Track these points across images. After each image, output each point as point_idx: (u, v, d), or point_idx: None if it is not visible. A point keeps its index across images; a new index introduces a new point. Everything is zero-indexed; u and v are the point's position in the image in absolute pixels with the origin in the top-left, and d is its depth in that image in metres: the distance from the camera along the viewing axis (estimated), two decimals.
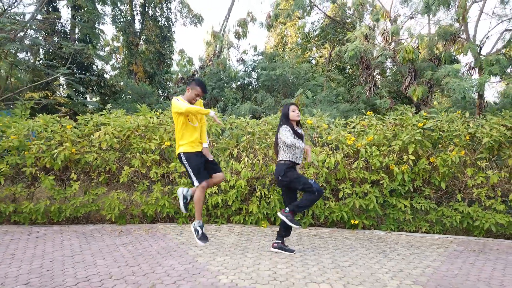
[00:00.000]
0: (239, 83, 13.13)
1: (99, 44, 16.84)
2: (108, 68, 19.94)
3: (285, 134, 4.21)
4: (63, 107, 10.24)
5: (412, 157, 5.54)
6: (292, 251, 4.44)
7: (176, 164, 5.78)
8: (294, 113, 4.34)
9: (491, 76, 6.21)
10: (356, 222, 5.74)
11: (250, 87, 13.31)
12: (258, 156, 5.90)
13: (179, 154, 4.17)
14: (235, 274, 3.61)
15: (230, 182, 5.80)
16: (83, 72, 15.29)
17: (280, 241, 4.49)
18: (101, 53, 23.55)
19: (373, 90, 8.35)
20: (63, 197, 5.75)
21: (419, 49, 7.39)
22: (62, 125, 5.89)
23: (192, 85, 4.12)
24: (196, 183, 4.09)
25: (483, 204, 5.53)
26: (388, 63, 10.23)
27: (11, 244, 4.70)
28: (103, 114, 6.13)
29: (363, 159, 5.74)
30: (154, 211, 5.86)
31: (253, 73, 13.48)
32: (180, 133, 4.14)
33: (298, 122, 4.48)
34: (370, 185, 5.74)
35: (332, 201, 5.84)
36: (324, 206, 5.84)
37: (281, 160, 4.30)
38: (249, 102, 10.48)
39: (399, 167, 5.59)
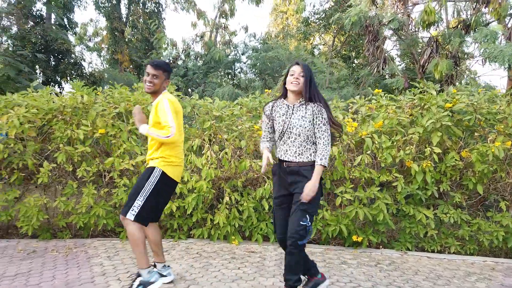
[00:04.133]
0: (228, 70, 11.57)
1: (78, 30, 15.43)
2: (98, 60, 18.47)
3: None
4: None
5: (438, 150, 3.98)
6: None
7: (115, 159, 4.27)
8: (290, 77, 2.66)
9: None
10: (360, 239, 4.20)
11: (241, 74, 11.76)
12: (227, 149, 4.38)
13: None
14: None
15: (189, 183, 4.29)
16: (61, 59, 13.95)
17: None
18: (89, 44, 22.21)
19: (383, 67, 6.74)
20: None
21: (440, 15, 5.84)
22: None
23: None
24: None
25: None
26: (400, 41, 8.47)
27: None
28: (24, 94, 4.63)
29: (368, 152, 4.19)
30: (89, 222, 4.35)
31: (245, 58, 11.92)
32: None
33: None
34: (379, 188, 4.18)
35: (327, 210, 4.30)
36: (317, 216, 4.31)
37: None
38: (231, 85, 8.93)
39: (419, 164, 4.04)
